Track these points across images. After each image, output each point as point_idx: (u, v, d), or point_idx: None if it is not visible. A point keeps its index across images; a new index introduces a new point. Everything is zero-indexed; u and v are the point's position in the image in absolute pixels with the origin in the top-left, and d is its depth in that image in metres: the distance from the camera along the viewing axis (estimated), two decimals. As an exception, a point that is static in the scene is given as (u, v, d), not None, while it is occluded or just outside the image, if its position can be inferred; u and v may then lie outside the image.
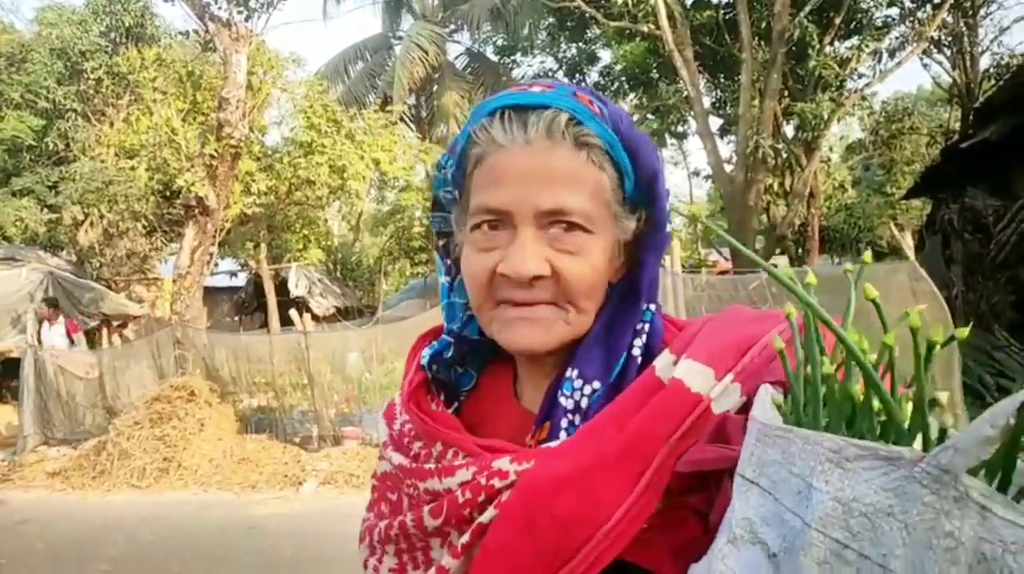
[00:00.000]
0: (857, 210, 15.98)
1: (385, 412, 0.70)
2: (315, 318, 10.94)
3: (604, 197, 0.58)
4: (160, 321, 9.98)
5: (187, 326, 7.85)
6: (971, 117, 8.90)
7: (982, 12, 13.13)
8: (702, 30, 13.07)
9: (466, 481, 0.55)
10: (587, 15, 13.16)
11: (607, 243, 0.59)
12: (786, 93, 12.83)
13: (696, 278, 4.90)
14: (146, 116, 10.11)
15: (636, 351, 0.60)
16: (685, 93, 12.68)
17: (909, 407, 0.33)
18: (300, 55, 14.77)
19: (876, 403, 0.34)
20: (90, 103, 12.99)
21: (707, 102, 14.15)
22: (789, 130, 13.63)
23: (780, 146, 12.46)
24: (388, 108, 12.41)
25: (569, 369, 0.59)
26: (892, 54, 13.18)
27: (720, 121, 15.42)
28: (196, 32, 11.47)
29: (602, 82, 15.91)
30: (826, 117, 12.10)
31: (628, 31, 13.46)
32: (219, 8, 8.72)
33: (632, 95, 15.54)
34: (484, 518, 0.54)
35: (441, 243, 0.69)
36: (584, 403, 0.58)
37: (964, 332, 0.35)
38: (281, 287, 14.22)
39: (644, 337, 0.60)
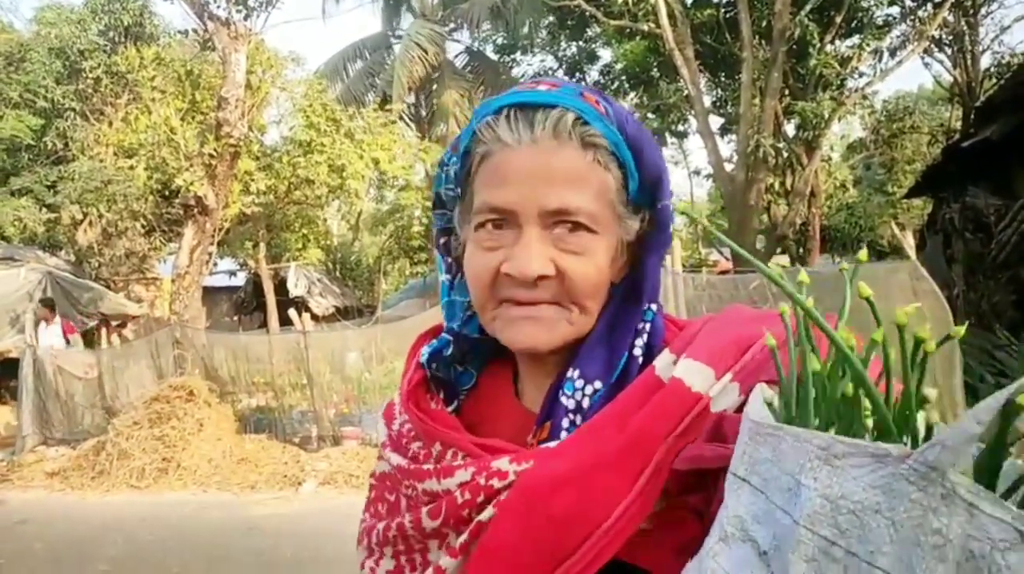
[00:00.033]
0: (858, 209, 15.98)
1: (384, 412, 0.70)
2: (314, 318, 10.93)
3: (608, 197, 0.58)
4: (159, 321, 9.97)
5: (186, 326, 7.85)
6: (972, 116, 8.89)
7: (983, 11, 13.12)
8: (702, 29, 13.05)
9: (465, 482, 0.55)
10: (587, 13, 13.15)
11: (611, 243, 0.59)
12: (787, 92, 12.82)
13: (697, 277, 4.89)
14: (145, 115, 10.10)
15: (637, 351, 0.60)
16: (685, 92, 12.67)
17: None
18: (299, 54, 14.78)
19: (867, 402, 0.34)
20: (89, 102, 12.98)
21: (708, 101, 14.14)
22: (790, 129, 13.62)
23: (781, 145, 12.44)
24: (387, 107, 12.40)
25: (571, 369, 0.59)
26: (893, 53, 13.17)
27: (721, 120, 15.42)
28: (195, 31, 11.48)
29: (602, 81, 15.90)
30: (827, 116, 12.09)
31: (628, 30, 13.45)
32: (218, 7, 8.71)
33: (632, 94, 15.53)
34: (483, 517, 0.53)
35: (442, 241, 0.68)
36: (585, 403, 0.58)
37: (960, 330, 0.34)
38: (280, 287, 14.23)
39: (645, 336, 0.60)
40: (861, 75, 13.67)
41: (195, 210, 8.60)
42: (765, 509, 0.34)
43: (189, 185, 8.55)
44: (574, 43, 16.47)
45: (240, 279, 17.55)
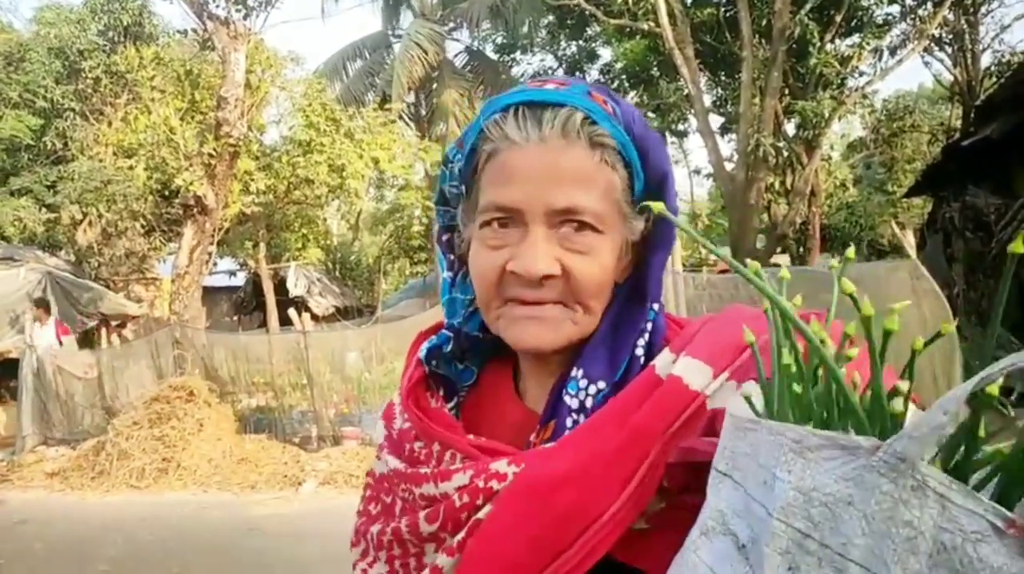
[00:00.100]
0: (858, 208, 15.98)
1: (384, 413, 0.70)
2: (314, 318, 10.94)
3: (615, 197, 0.58)
4: (159, 321, 9.97)
5: (186, 326, 7.85)
6: (972, 115, 8.89)
7: (983, 10, 13.11)
8: (702, 28, 13.05)
9: (463, 485, 0.55)
10: (587, 13, 13.14)
11: (616, 243, 0.59)
12: (787, 91, 12.81)
13: (697, 277, 4.89)
14: (144, 115, 10.09)
15: (639, 350, 0.60)
16: (686, 91, 12.66)
17: (898, 401, 0.33)
18: (299, 53, 14.70)
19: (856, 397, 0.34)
20: (88, 102, 12.98)
21: (708, 100, 14.13)
22: (790, 128, 13.61)
23: (781, 144, 12.44)
24: (387, 106, 12.39)
25: (575, 369, 0.59)
26: (893, 52, 13.16)
27: (721, 119, 15.42)
28: (194, 31, 11.47)
29: (602, 80, 15.88)
30: (827, 115, 12.08)
31: (628, 29, 13.44)
32: (217, 6, 8.71)
33: (632, 93, 15.51)
34: (480, 514, 0.54)
35: (445, 238, 0.68)
36: (589, 403, 0.58)
37: (950, 327, 0.35)
38: (280, 286, 14.23)
39: (647, 335, 0.61)
40: (861, 74, 13.68)
41: (195, 210, 8.60)
42: (744, 503, 0.34)
43: (189, 185, 8.55)
44: (574, 42, 16.46)
45: (240, 279, 17.55)
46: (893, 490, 0.27)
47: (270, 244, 14.33)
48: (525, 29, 16.37)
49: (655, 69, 14.94)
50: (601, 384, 0.58)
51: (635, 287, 0.61)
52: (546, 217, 0.57)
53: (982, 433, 0.29)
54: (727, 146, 15.23)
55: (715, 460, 0.39)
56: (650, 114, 15.14)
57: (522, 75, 17.31)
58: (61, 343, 7.93)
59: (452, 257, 0.68)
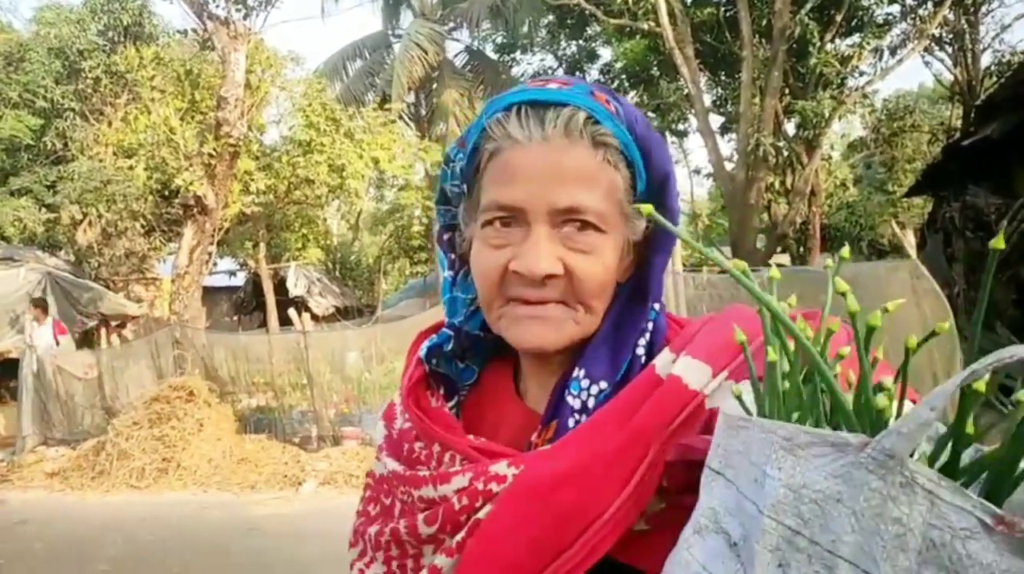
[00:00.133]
0: (858, 208, 15.97)
1: (384, 413, 0.70)
2: (314, 318, 10.93)
3: (617, 197, 0.58)
4: (159, 321, 9.97)
5: (186, 326, 7.85)
6: (972, 115, 8.88)
7: (983, 9, 13.10)
8: (703, 27, 13.04)
9: (462, 488, 0.55)
10: (587, 12, 13.14)
11: (618, 243, 0.59)
12: (787, 91, 12.81)
13: (697, 277, 4.88)
14: (144, 115, 10.09)
15: (640, 350, 0.60)
16: (686, 91, 12.66)
17: (895, 403, 0.33)
18: (298, 53, 14.70)
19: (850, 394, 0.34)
20: (88, 102, 12.98)
21: (708, 100, 14.13)
22: (790, 128, 13.61)
23: (781, 144, 12.43)
24: (387, 106, 12.39)
25: (576, 369, 0.59)
26: (893, 52, 13.15)
27: (721, 119, 15.41)
28: (194, 31, 11.48)
29: (602, 80, 15.87)
30: (827, 115, 12.07)
31: (628, 28, 13.44)
32: (217, 6, 8.71)
33: (632, 93, 15.50)
34: (481, 515, 0.54)
35: (446, 237, 0.68)
36: (591, 403, 0.58)
37: (945, 326, 0.35)
38: (280, 286, 14.23)
39: (648, 335, 0.61)
40: (861, 74, 13.67)
41: (195, 210, 8.60)
42: (736, 501, 0.35)
43: (189, 185, 8.54)
44: (574, 42, 16.45)
45: (240, 279, 17.55)
46: (882, 487, 0.27)
47: (270, 244, 14.33)
48: (525, 29, 16.36)
49: (655, 69, 14.93)
50: (603, 384, 0.58)
51: (636, 287, 0.61)
52: (549, 216, 0.57)
53: (971, 429, 0.29)
54: (727, 146, 15.24)
55: (708, 458, 0.39)
56: (650, 114, 15.13)
57: (522, 75, 17.30)
58: (58, 342, 7.91)
59: (453, 256, 0.68)
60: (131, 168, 10.43)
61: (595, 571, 0.51)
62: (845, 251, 0.42)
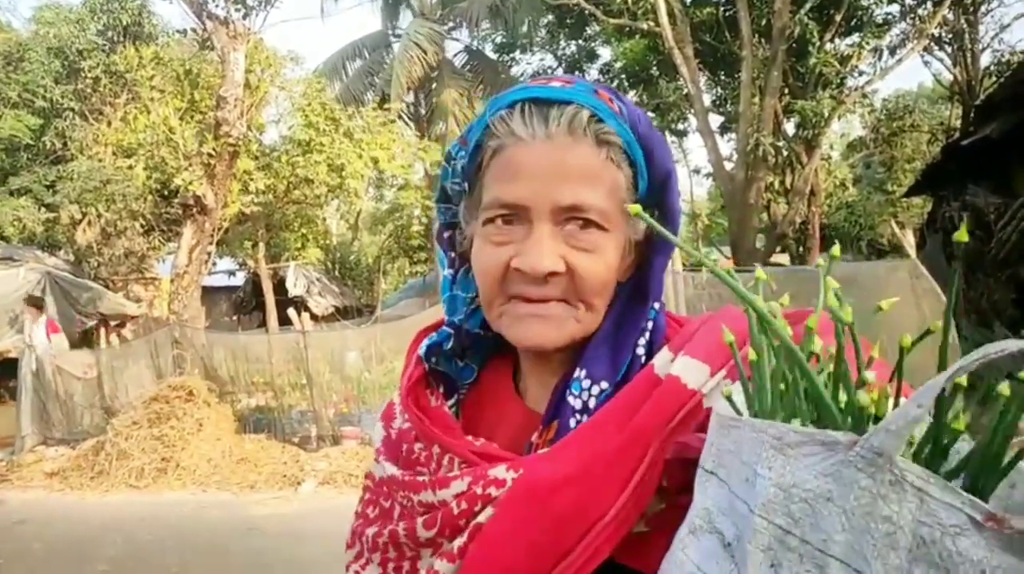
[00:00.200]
0: (858, 208, 15.97)
1: (383, 413, 0.69)
2: (314, 317, 10.93)
3: (619, 195, 0.58)
4: (158, 321, 9.95)
5: (185, 326, 7.84)
6: (972, 114, 8.89)
7: (983, 9, 13.10)
8: (702, 27, 13.04)
9: (461, 492, 0.55)
10: (586, 12, 13.14)
11: (620, 242, 0.59)
12: (786, 91, 12.80)
13: (697, 276, 4.88)
14: (144, 115, 10.08)
15: (640, 350, 0.60)
16: (685, 91, 12.66)
17: (891, 403, 0.33)
18: (298, 53, 14.68)
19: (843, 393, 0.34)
20: (88, 102, 12.97)
21: (707, 100, 14.12)
22: (790, 128, 13.61)
23: (781, 144, 12.43)
24: (386, 106, 12.38)
25: (577, 369, 0.59)
26: (893, 51, 13.15)
27: (720, 119, 15.41)
28: (194, 30, 11.47)
29: (602, 79, 15.87)
30: (827, 115, 12.07)
31: (628, 28, 13.43)
32: (217, 6, 8.71)
33: (632, 92, 15.50)
34: (481, 518, 0.53)
35: (446, 235, 0.68)
36: (592, 403, 0.58)
37: (939, 325, 0.35)
38: (279, 286, 14.21)
39: (648, 335, 0.61)
40: (861, 73, 13.67)
41: (194, 210, 8.59)
42: (728, 501, 0.35)
43: (188, 184, 8.54)
44: (573, 42, 16.46)
45: (239, 279, 17.53)
46: (871, 485, 0.27)
47: (269, 244, 14.32)
48: (524, 28, 16.36)
49: (654, 68, 14.93)
50: (604, 384, 0.58)
51: (637, 286, 0.61)
52: (551, 214, 0.57)
53: (962, 426, 0.29)
54: (727, 145, 15.24)
55: (702, 458, 0.39)
56: (650, 113, 15.09)
57: (521, 75, 17.30)
58: (50, 341, 7.86)
59: (453, 254, 0.68)
60: (130, 168, 10.42)
61: (595, 572, 0.51)
62: (836, 250, 0.42)
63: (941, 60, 14.08)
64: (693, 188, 19.09)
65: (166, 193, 10.96)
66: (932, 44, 13.30)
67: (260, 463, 6.12)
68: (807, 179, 12.71)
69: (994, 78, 12.54)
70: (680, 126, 16.71)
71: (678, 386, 0.52)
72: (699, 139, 12.82)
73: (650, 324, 0.61)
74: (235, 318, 17.16)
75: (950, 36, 13.40)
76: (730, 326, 0.55)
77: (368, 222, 19.24)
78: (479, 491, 0.54)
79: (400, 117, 14.16)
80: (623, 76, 15.55)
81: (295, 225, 14.31)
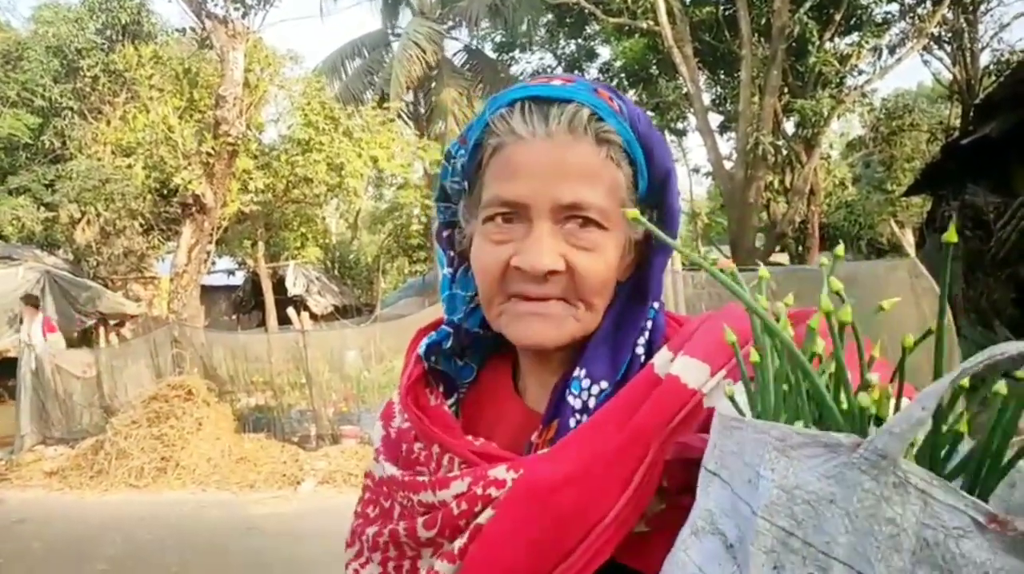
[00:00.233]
0: (857, 207, 15.98)
1: (383, 412, 0.69)
2: (313, 317, 10.92)
3: (619, 194, 0.58)
4: (157, 320, 9.96)
5: (184, 325, 7.84)
6: (971, 114, 8.89)
7: (982, 8, 13.10)
8: (701, 26, 13.04)
9: (462, 492, 0.55)
10: (586, 11, 13.14)
11: (620, 241, 0.59)
12: (786, 90, 12.81)
13: (696, 276, 4.88)
14: (143, 114, 10.08)
15: (640, 349, 0.60)
16: (685, 90, 12.66)
17: (892, 403, 0.33)
18: (297, 52, 14.69)
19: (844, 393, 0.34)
20: (86, 101, 12.96)
21: (707, 99, 14.13)
22: (789, 127, 13.61)
23: (780, 143, 12.44)
24: (386, 105, 12.38)
25: (577, 368, 0.59)
26: (892, 50, 13.16)
27: (720, 118, 15.42)
28: (193, 29, 11.46)
29: (601, 79, 15.85)
30: (826, 114, 12.08)
31: (627, 27, 13.44)
32: (216, 5, 8.70)
33: (631, 92, 15.50)
34: (482, 519, 0.53)
35: (445, 234, 0.68)
36: (592, 403, 0.57)
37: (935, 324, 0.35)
38: (279, 285, 14.21)
39: (647, 334, 0.61)
40: (860, 73, 13.67)
41: (193, 209, 8.58)
42: (731, 502, 0.35)
43: (187, 184, 8.53)
44: (573, 41, 16.46)
45: (238, 278, 17.53)
46: (875, 487, 0.27)
47: (269, 243, 14.31)
48: (524, 28, 16.35)
49: (654, 67, 14.93)
50: (604, 384, 0.58)
51: (636, 286, 0.61)
52: (551, 212, 0.56)
53: (965, 428, 0.29)
54: (726, 145, 15.25)
55: (704, 459, 0.39)
56: (649, 112, 15.11)
57: (521, 74, 17.30)
58: (46, 339, 7.83)
59: (452, 253, 0.67)
60: (129, 167, 10.41)
61: (595, 572, 0.51)
62: (840, 250, 0.42)
63: (940, 59, 14.09)
64: (693, 187, 19.10)
65: (165, 192, 10.95)
66: (931, 43, 13.31)
67: (259, 462, 6.12)
68: (806, 178, 12.71)
69: (993, 77, 12.54)
70: (679, 125, 16.72)
71: (678, 386, 0.52)
72: (699, 138, 12.83)
73: (649, 323, 0.61)
74: (234, 317, 17.15)
75: (949, 35, 13.40)
76: (731, 325, 0.55)
77: (367, 221, 19.24)
78: (479, 491, 0.54)
79: (399, 116, 14.17)
80: (623, 75, 15.55)
81: (294, 224, 14.30)
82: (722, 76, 14.71)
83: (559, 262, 0.56)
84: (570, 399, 0.58)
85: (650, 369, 0.55)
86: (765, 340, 0.38)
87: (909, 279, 4.15)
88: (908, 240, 4.47)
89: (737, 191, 11.69)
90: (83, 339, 9.31)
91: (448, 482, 0.56)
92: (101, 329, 9.55)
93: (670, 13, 11.63)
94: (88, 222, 11.66)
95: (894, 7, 12.98)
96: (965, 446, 0.30)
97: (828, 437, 0.29)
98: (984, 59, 13.50)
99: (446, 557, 0.55)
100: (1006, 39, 22.10)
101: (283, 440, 6.55)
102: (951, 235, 0.31)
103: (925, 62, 14.28)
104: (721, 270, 0.41)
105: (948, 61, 13.87)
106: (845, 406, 0.33)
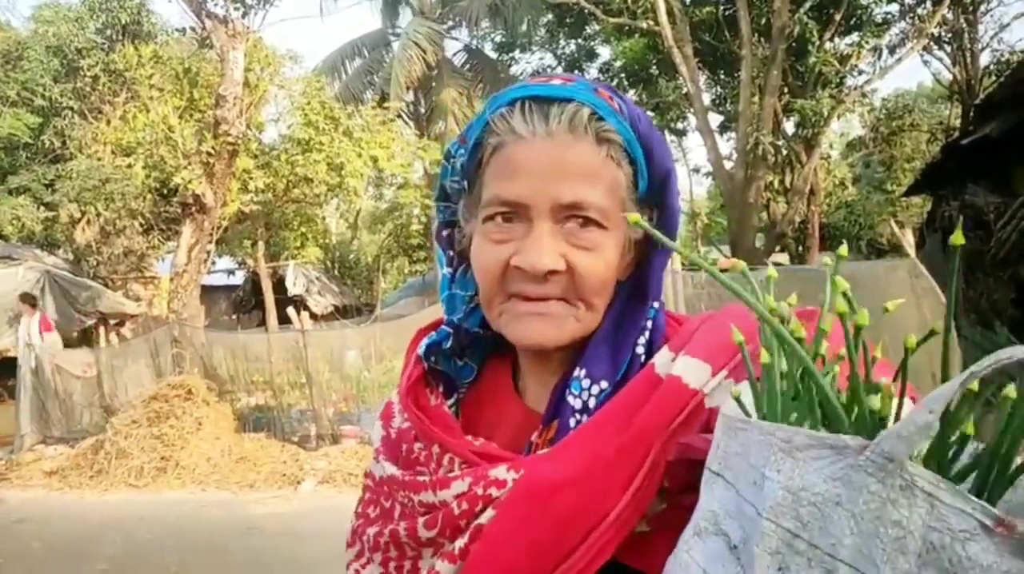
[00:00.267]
0: (857, 207, 15.99)
1: (382, 412, 0.69)
2: (313, 316, 10.92)
3: (619, 194, 0.58)
4: (157, 319, 9.95)
5: (184, 324, 7.84)
6: (972, 114, 8.89)
7: (982, 8, 13.11)
8: (702, 26, 13.04)
9: (462, 492, 0.55)
10: (586, 11, 13.14)
11: (620, 240, 0.59)
12: (786, 90, 12.81)
13: (696, 276, 4.89)
14: (143, 113, 10.07)
15: (640, 349, 0.60)
16: (685, 90, 12.66)
17: (895, 402, 0.33)
18: (297, 52, 14.73)
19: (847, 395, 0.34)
20: (86, 101, 12.95)
21: (707, 99, 14.13)
22: (789, 127, 13.62)
23: (780, 143, 12.45)
24: (386, 105, 12.38)
25: (577, 368, 0.59)
26: (892, 51, 13.17)
27: (720, 118, 15.42)
28: (193, 29, 11.46)
29: (602, 79, 15.86)
30: (826, 114, 12.08)
31: (627, 27, 13.44)
32: (216, 5, 8.70)
33: (631, 91, 15.50)
34: (483, 520, 0.53)
35: (444, 234, 0.68)
36: (592, 403, 0.57)
37: (941, 326, 0.35)
38: (279, 285, 14.20)
39: (647, 334, 0.61)
40: (860, 73, 13.68)
41: (193, 208, 8.58)
42: (735, 503, 0.34)
43: (187, 183, 8.53)
44: (573, 41, 16.47)
45: (239, 278, 17.52)
46: (881, 490, 0.27)
47: (269, 243, 14.31)
48: (524, 28, 16.36)
49: (654, 67, 14.94)
50: (604, 384, 0.58)
51: (636, 285, 0.61)
52: (551, 212, 0.56)
53: (971, 430, 0.29)
54: (726, 145, 15.25)
55: (708, 460, 0.39)
56: (649, 112, 15.11)
57: (521, 74, 17.30)
58: (42, 338, 7.80)
59: (452, 253, 0.67)
60: (129, 166, 10.40)
61: (596, 572, 0.51)
62: (843, 250, 0.42)
63: (940, 59, 14.10)
64: (693, 187, 19.11)
65: (165, 192, 10.95)
66: (931, 43, 13.31)
67: (259, 462, 6.12)
68: (806, 178, 12.71)
69: (993, 77, 12.54)
70: (680, 125, 16.72)
71: (679, 386, 0.52)
72: (699, 138, 12.83)
73: (649, 323, 0.61)
74: (234, 317, 17.15)
75: (949, 35, 13.41)
76: (736, 325, 0.55)
77: (367, 221, 19.23)
78: (480, 492, 0.54)
79: (399, 116, 14.17)
80: (623, 75, 15.56)
81: (294, 224, 14.30)
82: (722, 76, 14.71)
83: (559, 262, 0.56)
84: (570, 399, 0.58)
85: (651, 369, 0.55)
86: (772, 340, 0.38)
87: (909, 279, 4.15)
88: (908, 240, 4.47)
89: (737, 191, 11.69)
90: (83, 339, 9.31)
91: (449, 482, 0.56)
92: (101, 329, 9.54)
93: (670, 13, 11.63)
94: (88, 222, 11.65)
95: (894, 7, 13.00)
96: (971, 447, 0.30)
97: (834, 439, 0.29)
98: (984, 59, 13.52)
99: (447, 557, 0.55)
100: (1006, 39, 22.11)
101: (283, 440, 6.55)
102: (957, 238, 0.31)
103: (925, 62, 14.30)
104: (723, 270, 0.41)
105: (948, 61, 13.87)
106: (852, 408, 0.33)
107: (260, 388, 7.27)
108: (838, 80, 12.87)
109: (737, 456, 0.35)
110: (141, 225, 12.03)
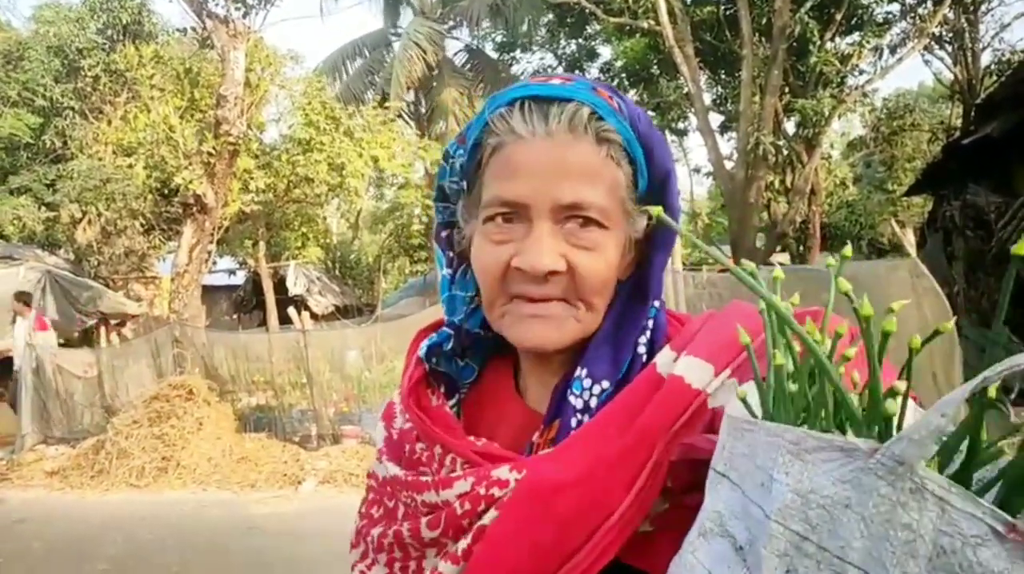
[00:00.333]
0: (858, 207, 15.97)
1: (384, 413, 0.69)
2: (314, 316, 10.93)
3: (619, 194, 0.58)
4: (158, 319, 9.96)
5: (185, 324, 7.84)
6: (973, 114, 8.89)
7: (983, 8, 13.09)
8: (702, 26, 13.04)
9: (465, 493, 0.55)
10: (587, 11, 13.13)
11: (620, 240, 0.59)
12: (787, 89, 12.80)
13: (697, 275, 4.88)
14: (144, 114, 10.08)
15: (641, 349, 0.60)
16: (685, 89, 12.65)
17: (898, 401, 0.33)
18: (298, 52, 14.71)
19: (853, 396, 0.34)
20: (87, 101, 12.97)
21: (708, 98, 14.12)
22: (790, 127, 13.61)
23: (781, 143, 12.44)
24: (386, 105, 12.39)
25: (578, 368, 0.59)
26: (893, 50, 13.15)
27: (721, 118, 15.41)
28: (194, 29, 11.47)
29: (602, 79, 15.86)
30: (827, 114, 12.07)
31: (628, 27, 13.43)
32: (216, 5, 8.70)
33: (632, 91, 15.49)
34: (485, 520, 0.53)
35: (444, 234, 0.68)
36: (593, 403, 0.57)
37: (949, 326, 0.35)
38: (280, 285, 14.21)
39: (649, 334, 0.61)
40: (861, 72, 13.66)
41: (194, 208, 8.59)
42: (741, 504, 0.34)
43: (188, 183, 8.54)
44: (574, 40, 16.46)
45: (239, 278, 17.54)
46: (891, 493, 0.27)
47: (270, 243, 14.32)
48: (525, 27, 16.36)
49: (655, 67, 14.93)
50: (605, 383, 0.58)
51: (637, 285, 0.61)
52: (552, 212, 0.56)
53: (984, 436, 0.29)
54: (727, 144, 15.24)
55: (713, 460, 0.39)
56: (650, 112, 15.08)
57: (522, 73, 17.30)
58: (30, 336, 7.75)
59: (451, 254, 0.67)
60: (130, 167, 10.42)
61: (599, 572, 0.50)
62: (847, 250, 0.42)
63: (941, 59, 14.07)
64: (693, 187, 19.10)
65: (166, 192, 10.96)
66: (932, 43, 13.29)
67: (260, 462, 6.12)
68: (807, 178, 12.70)
69: (994, 77, 12.53)
70: (680, 125, 16.71)
71: (682, 386, 0.52)
72: (699, 138, 12.82)
73: (650, 323, 0.61)
74: (235, 317, 17.16)
75: (950, 35, 13.39)
76: (741, 324, 0.55)
77: (368, 221, 19.24)
78: (482, 492, 0.54)
79: (400, 116, 14.18)
80: (623, 75, 15.55)
81: (295, 224, 14.31)
82: (723, 76, 14.70)
83: (560, 262, 0.56)
84: (571, 399, 0.58)
85: (652, 369, 0.55)
86: (781, 341, 0.38)
87: (910, 279, 4.14)
88: (909, 240, 4.46)
89: (738, 191, 11.68)
90: (84, 339, 9.31)
91: (451, 482, 0.56)
92: (102, 329, 9.55)
93: (671, 13, 11.62)
94: (89, 222, 11.66)
95: (895, 7, 12.98)
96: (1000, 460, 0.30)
97: (845, 442, 0.29)
98: (985, 59, 13.50)
99: (450, 558, 0.55)
100: (1007, 39, 22.09)
101: (284, 440, 6.55)
102: (1020, 247, 0.30)
103: (926, 62, 14.27)
104: (723, 270, 0.41)
105: (949, 61, 13.86)
106: (861, 409, 0.33)
107: (261, 388, 7.27)
108: (839, 80, 12.85)
109: (743, 457, 0.35)
110: (142, 225, 12.04)
